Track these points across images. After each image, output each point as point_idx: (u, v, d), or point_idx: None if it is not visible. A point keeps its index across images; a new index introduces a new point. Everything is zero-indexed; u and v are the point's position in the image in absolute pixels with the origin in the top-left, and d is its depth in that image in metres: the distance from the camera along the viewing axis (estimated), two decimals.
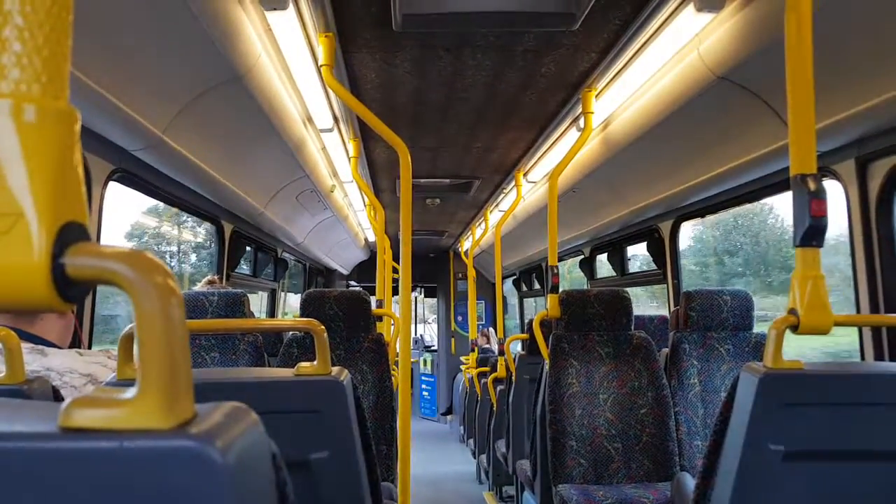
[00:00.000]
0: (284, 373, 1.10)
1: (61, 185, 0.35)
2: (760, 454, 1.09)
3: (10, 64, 0.35)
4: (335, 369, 1.11)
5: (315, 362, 1.10)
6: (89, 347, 2.30)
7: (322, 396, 1.05)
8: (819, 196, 1.16)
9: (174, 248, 7.42)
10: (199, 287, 2.95)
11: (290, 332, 2.65)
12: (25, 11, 0.35)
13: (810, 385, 1.11)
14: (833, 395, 1.11)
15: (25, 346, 1.24)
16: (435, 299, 10.48)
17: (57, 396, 1.09)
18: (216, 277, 2.95)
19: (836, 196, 2.36)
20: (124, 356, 1.07)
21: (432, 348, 10.40)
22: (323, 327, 1.14)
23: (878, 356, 2.22)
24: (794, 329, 1.14)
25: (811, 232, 1.16)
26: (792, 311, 1.15)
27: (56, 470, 0.32)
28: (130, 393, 0.34)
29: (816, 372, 1.12)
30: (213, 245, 3.87)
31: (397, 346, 3.41)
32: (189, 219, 6.65)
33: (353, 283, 9.75)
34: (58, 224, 0.34)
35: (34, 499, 0.32)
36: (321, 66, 2.42)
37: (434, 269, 9.97)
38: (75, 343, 1.77)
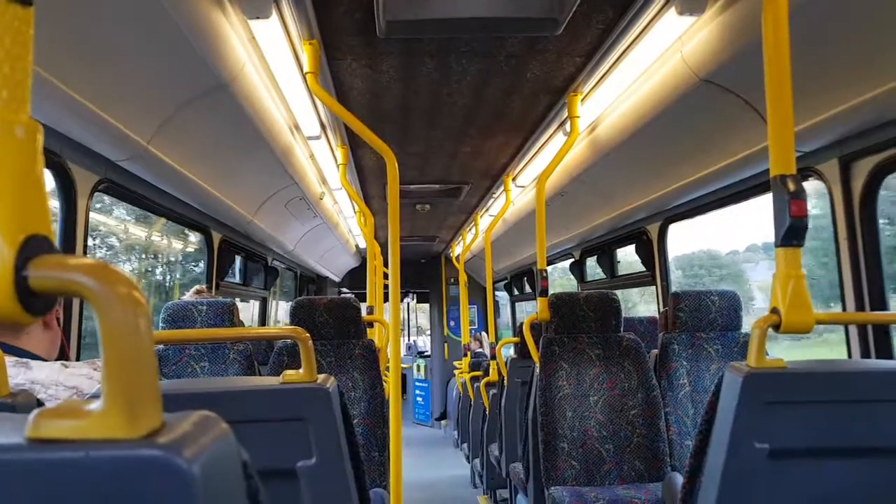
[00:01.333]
0: (270, 381, 1.10)
1: (24, 198, 0.35)
2: (746, 453, 1.10)
3: None
4: (321, 377, 1.11)
5: (301, 370, 1.10)
6: (78, 360, 2.28)
7: (308, 404, 1.05)
8: (799, 196, 1.17)
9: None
10: (187, 297, 2.94)
11: (281, 340, 2.64)
12: None
13: (793, 383, 1.12)
14: (815, 393, 1.12)
15: (9, 360, 1.23)
16: (427, 305, 10.48)
17: None
18: (204, 287, 2.94)
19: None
20: None
21: (425, 354, 10.39)
22: (308, 335, 1.14)
23: (865, 354, 2.24)
24: (777, 328, 1.15)
25: (791, 232, 1.17)
26: (774, 311, 1.16)
27: (24, 481, 0.32)
28: (97, 403, 0.35)
29: (798, 370, 1.13)
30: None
31: (388, 351, 3.41)
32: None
33: (344, 289, 9.73)
34: (20, 237, 0.34)
35: None
36: (306, 73, 2.42)
37: (426, 275, 9.96)
38: (62, 356, 1.76)
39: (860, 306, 2.23)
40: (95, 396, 1.01)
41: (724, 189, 3.04)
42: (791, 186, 1.18)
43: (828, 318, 1.23)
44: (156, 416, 0.35)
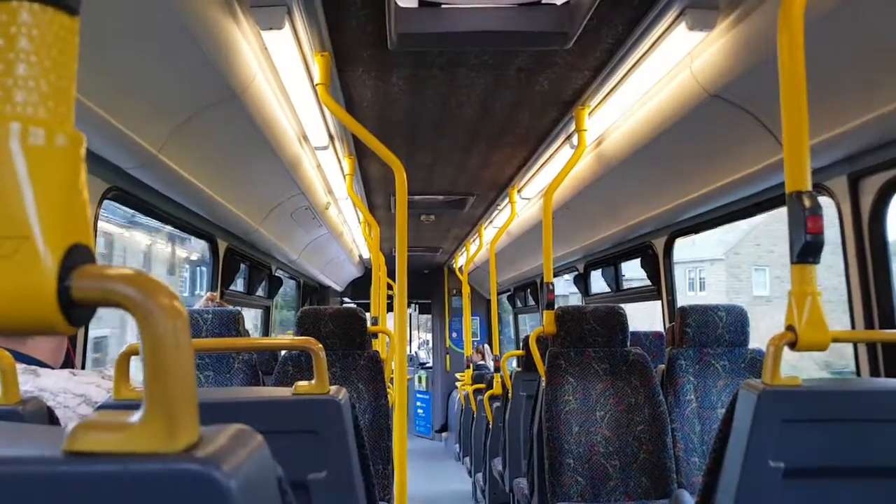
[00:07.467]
0: (281, 392, 1.09)
1: (67, 208, 0.35)
2: (761, 471, 1.09)
3: (16, 87, 0.35)
4: (333, 388, 1.10)
5: (312, 381, 1.09)
6: (82, 368, 2.27)
7: (320, 416, 1.04)
8: (815, 213, 1.16)
9: None
10: (200, 304, 2.95)
11: (285, 350, 2.63)
12: (32, 35, 0.35)
13: (808, 401, 1.11)
14: (831, 412, 1.11)
15: (18, 367, 1.22)
16: (429, 316, 10.46)
17: (52, 417, 1.08)
18: (216, 294, 2.94)
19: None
20: (122, 376, 1.06)
21: (427, 365, 10.36)
22: (321, 346, 1.13)
23: (874, 372, 2.23)
24: (792, 346, 1.14)
25: (807, 249, 1.16)
26: (790, 328, 1.15)
27: (62, 494, 0.32)
28: (136, 416, 0.34)
29: (814, 388, 1.12)
30: None
31: (392, 363, 3.39)
32: None
33: (346, 299, 9.72)
34: (64, 246, 0.34)
35: None
36: (317, 84, 2.43)
37: (428, 286, 9.96)
38: (68, 364, 1.75)
39: (869, 324, 2.22)
40: (108, 406, 1.00)
41: (731, 204, 3.03)
42: (807, 203, 1.18)
43: (844, 336, 1.22)
44: (194, 430, 0.35)
